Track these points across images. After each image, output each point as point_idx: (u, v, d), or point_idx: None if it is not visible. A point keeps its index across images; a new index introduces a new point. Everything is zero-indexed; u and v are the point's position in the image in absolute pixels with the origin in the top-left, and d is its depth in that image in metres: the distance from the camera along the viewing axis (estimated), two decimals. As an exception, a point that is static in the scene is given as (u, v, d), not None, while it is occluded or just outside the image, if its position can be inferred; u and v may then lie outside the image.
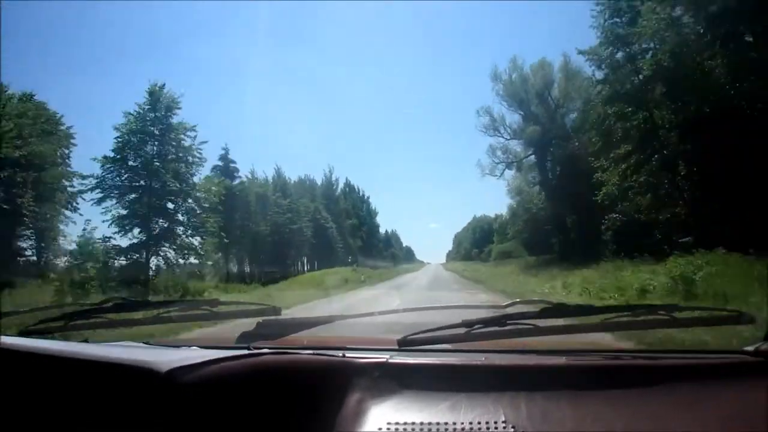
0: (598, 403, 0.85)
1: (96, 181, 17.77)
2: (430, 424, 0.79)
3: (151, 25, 52.13)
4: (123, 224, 17.85)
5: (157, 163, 18.04)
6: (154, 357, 0.84)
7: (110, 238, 17.74)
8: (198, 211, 19.01)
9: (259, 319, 1.23)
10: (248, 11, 53.28)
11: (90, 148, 40.68)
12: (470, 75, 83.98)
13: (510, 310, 1.17)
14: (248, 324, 1.21)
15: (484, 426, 0.78)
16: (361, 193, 53.32)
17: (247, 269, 33.61)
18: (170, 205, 18.58)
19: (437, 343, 1.11)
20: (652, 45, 16.70)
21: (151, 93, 18.36)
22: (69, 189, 22.42)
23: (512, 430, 0.76)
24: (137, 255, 17.89)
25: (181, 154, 18.69)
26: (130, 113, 18.24)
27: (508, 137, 29.74)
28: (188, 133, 18.89)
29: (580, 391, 0.88)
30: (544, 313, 1.14)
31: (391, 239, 74.27)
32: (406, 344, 1.09)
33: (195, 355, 0.87)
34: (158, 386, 0.76)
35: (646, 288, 9.90)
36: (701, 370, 1.00)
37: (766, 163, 11.68)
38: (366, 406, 0.85)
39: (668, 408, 0.84)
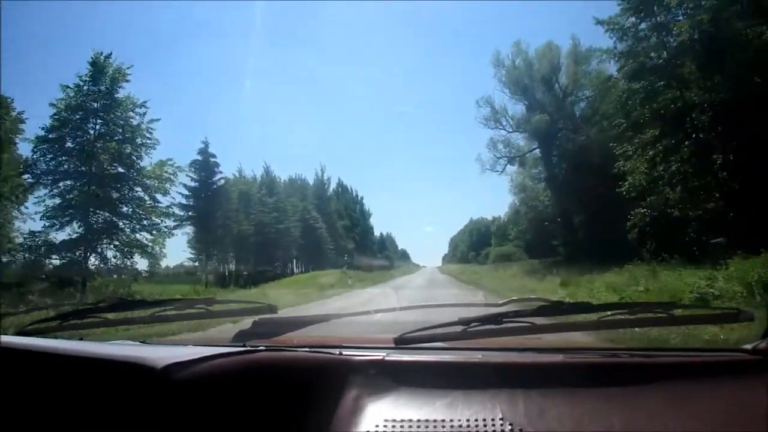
0: (594, 401, 0.85)
1: (24, 165, 14.96)
2: (427, 421, 0.80)
3: (151, 25, 50.46)
4: (57, 216, 15.03)
5: (99, 145, 15.16)
6: (149, 354, 0.84)
7: (40, 233, 14.93)
8: (148, 202, 16.09)
9: (255, 317, 1.24)
10: (243, 11, 53.05)
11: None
12: (469, 72, 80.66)
13: (506, 309, 1.17)
14: (245, 324, 1.21)
15: (481, 423, 0.78)
16: (354, 194, 51.81)
17: (228, 271, 31.43)
18: (114, 194, 15.64)
19: (434, 341, 1.12)
20: (680, 13, 14.60)
21: (93, 63, 15.52)
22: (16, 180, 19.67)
23: (509, 427, 0.77)
24: (72, 254, 15.00)
25: (128, 134, 15.73)
26: (68, 86, 15.40)
27: (511, 129, 27.66)
28: (137, 109, 15.98)
29: (576, 388, 0.88)
30: (540, 311, 1.14)
31: (386, 242, 73.07)
32: (402, 342, 1.10)
33: (191, 352, 0.86)
34: (154, 382, 0.76)
35: (705, 297, 7.75)
36: (698, 368, 0.99)
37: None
38: (363, 404, 0.85)
39: (665, 406, 0.84)
